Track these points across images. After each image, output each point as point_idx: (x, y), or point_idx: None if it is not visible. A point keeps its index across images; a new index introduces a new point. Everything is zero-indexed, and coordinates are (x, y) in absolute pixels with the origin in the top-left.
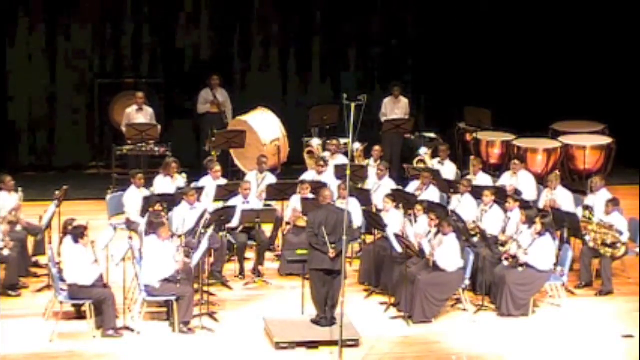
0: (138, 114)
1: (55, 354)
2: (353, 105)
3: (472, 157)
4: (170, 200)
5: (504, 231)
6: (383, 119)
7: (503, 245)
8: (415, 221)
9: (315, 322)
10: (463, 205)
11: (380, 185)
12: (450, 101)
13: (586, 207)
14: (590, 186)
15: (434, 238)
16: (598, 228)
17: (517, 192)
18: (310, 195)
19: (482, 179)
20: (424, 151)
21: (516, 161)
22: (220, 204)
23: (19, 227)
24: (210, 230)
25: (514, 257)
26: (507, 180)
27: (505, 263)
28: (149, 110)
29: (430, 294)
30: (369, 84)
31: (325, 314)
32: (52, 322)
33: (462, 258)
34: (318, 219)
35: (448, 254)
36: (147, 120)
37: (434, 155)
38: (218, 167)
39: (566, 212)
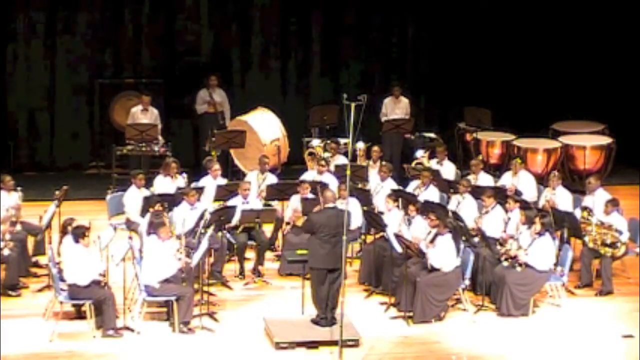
0: (143, 115)
1: (55, 354)
2: (353, 105)
3: (479, 157)
4: (170, 200)
5: (505, 230)
6: (383, 119)
7: (502, 244)
8: (411, 222)
9: (315, 322)
10: (463, 206)
11: (382, 187)
12: (450, 101)
13: (584, 208)
14: (587, 187)
15: (431, 242)
16: (597, 228)
17: (517, 193)
18: (310, 195)
19: (484, 179)
20: (420, 153)
21: (519, 160)
22: (219, 204)
23: (18, 227)
24: (210, 230)
25: (514, 257)
26: (507, 180)
27: (505, 264)
28: (154, 111)
29: (430, 294)
30: (369, 84)
31: (326, 314)
32: (52, 322)
33: (461, 258)
34: (319, 221)
35: (442, 253)
36: (151, 121)
37: (431, 156)
38: (217, 166)
39: (566, 212)
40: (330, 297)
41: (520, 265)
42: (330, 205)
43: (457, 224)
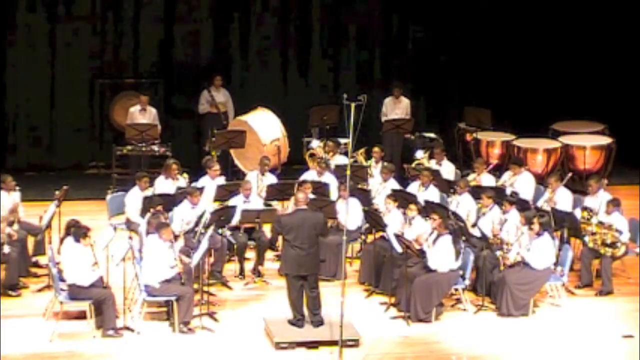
0: (141, 115)
1: (55, 354)
2: (353, 105)
3: (480, 159)
4: (170, 200)
5: (495, 234)
6: (383, 119)
7: (495, 244)
8: (411, 223)
9: (292, 323)
10: (461, 206)
11: (385, 188)
12: (450, 101)
13: (584, 208)
14: (589, 189)
15: (433, 243)
16: (597, 228)
17: (513, 194)
18: (311, 196)
19: (486, 180)
20: (420, 154)
21: (515, 166)
22: (219, 204)
23: (16, 226)
24: (210, 230)
25: (512, 266)
26: (506, 179)
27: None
28: (152, 110)
29: (425, 294)
30: (369, 84)
31: (302, 315)
32: (52, 322)
33: (462, 258)
34: (289, 223)
35: (440, 254)
36: (150, 121)
37: (431, 157)
38: (217, 166)
39: (566, 212)
40: (309, 301)
41: (518, 264)
42: (302, 207)
43: (457, 225)
